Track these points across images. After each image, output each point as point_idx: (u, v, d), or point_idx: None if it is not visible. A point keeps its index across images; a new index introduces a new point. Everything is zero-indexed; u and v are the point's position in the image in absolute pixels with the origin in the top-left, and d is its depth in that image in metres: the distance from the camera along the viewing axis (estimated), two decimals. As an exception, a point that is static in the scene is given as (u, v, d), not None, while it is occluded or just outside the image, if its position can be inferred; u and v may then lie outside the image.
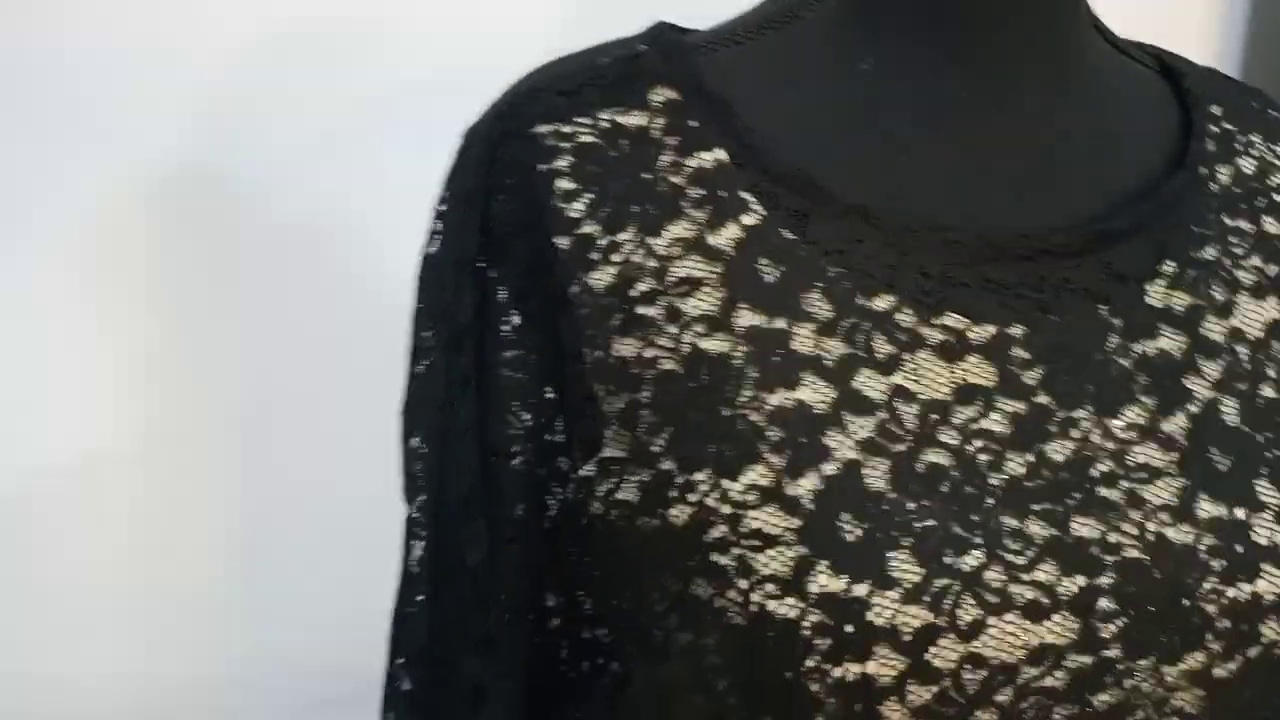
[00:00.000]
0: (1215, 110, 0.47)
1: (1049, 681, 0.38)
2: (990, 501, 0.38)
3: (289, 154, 0.71)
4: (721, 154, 0.41)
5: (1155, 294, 0.42)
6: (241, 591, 0.75)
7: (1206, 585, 0.39)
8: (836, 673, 0.36)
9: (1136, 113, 0.46)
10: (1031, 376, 0.40)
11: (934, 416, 0.39)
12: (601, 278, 0.40)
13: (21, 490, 0.70)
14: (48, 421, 0.70)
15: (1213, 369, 0.42)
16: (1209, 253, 0.44)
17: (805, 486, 0.37)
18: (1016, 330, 0.40)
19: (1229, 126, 0.47)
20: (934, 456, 0.38)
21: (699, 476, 0.38)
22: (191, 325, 0.72)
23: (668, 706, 0.40)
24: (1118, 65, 0.47)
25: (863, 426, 0.38)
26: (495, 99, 0.43)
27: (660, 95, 0.41)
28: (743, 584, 0.37)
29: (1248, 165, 0.47)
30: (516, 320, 0.41)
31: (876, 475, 0.38)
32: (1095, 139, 0.44)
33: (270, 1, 0.70)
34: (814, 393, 0.38)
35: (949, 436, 0.39)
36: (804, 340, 0.39)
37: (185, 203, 0.71)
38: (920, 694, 0.36)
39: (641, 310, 0.39)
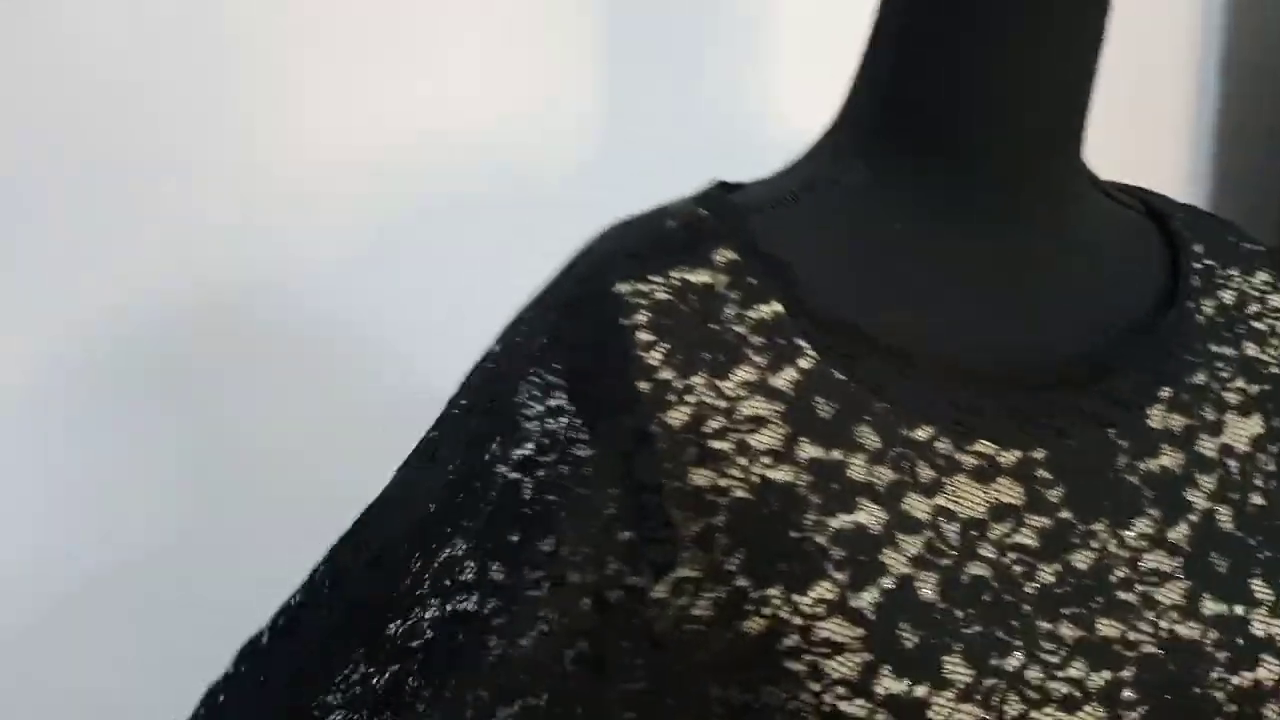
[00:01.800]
0: (1198, 249, 0.54)
1: None
2: (1026, 608, 0.44)
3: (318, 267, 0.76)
4: (778, 306, 0.47)
5: (1155, 417, 0.49)
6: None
7: (1214, 674, 0.45)
8: None
9: (1129, 255, 0.53)
10: (1054, 494, 0.46)
11: (973, 533, 0.45)
12: (677, 416, 0.45)
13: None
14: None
15: (1208, 481, 0.48)
16: (1199, 378, 0.50)
17: (867, 599, 0.43)
18: (1039, 454, 0.47)
19: (1210, 262, 0.54)
20: (976, 569, 0.44)
21: (772, 592, 0.43)
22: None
23: None
24: (1111, 213, 0.53)
25: (913, 544, 0.44)
26: (573, 259, 0.50)
27: (722, 256, 0.48)
28: (815, 687, 0.42)
29: (1228, 296, 0.53)
30: (585, 452, 0.45)
31: (927, 587, 0.43)
32: (1095, 281, 0.51)
33: (307, 117, 0.76)
34: (869, 515, 0.44)
35: (987, 550, 0.45)
36: (858, 469, 0.45)
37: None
38: None
39: (714, 445, 0.45)
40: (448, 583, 0.46)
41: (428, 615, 0.46)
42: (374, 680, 0.47)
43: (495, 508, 0.46)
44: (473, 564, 0.46)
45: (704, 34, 0.79)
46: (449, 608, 0.46)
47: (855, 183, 0.50)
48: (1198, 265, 0.53)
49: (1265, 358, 0.53)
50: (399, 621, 0.46)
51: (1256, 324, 0.53)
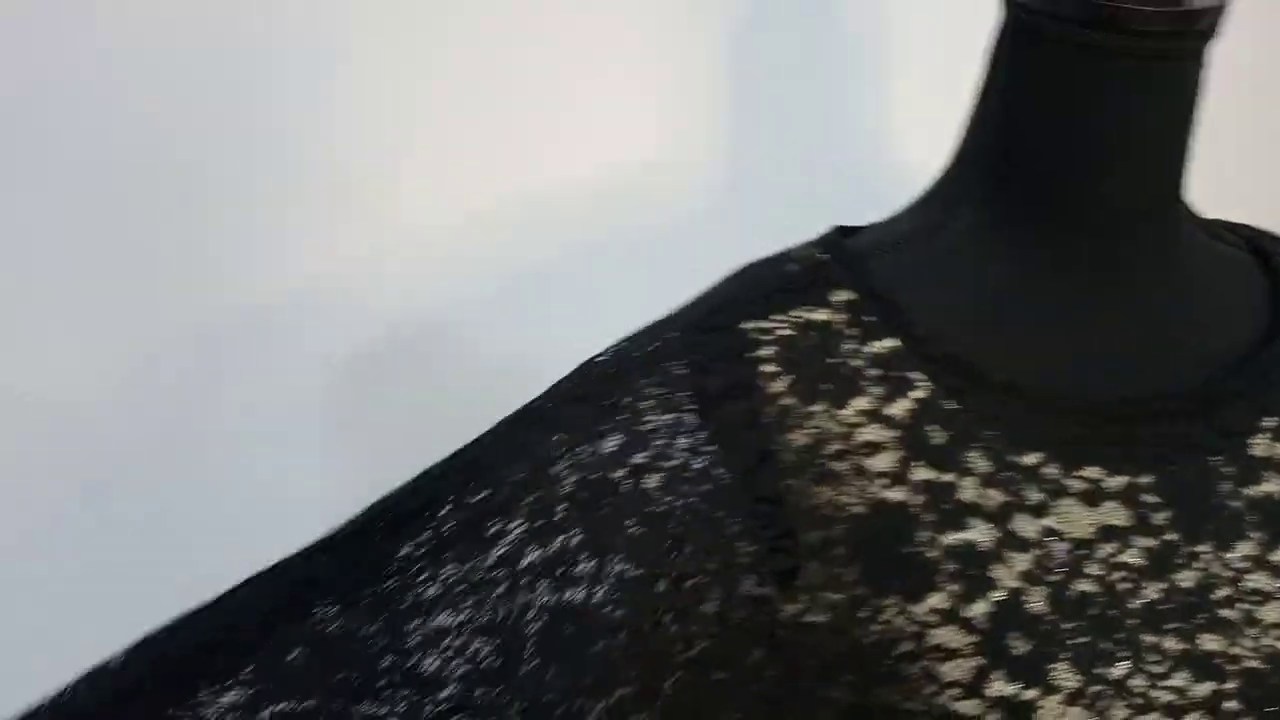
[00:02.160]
0: None
1: None
2: (1132, 621, 0.47)
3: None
4: (893, 342, 0.51)
5: (1259, 446, 0.51)
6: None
7: None
8: None
9: (1232, 292, 0.55)
10: (1160, 518, 0.49)
11: (1081, 552, 0.48)
12: (798, 439, 0.50)
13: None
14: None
15: None
16: None
17: (978, 610, 0.46)
18: (1145, 479, 0.50)
19: None
20: (1083, 585, 0.47)
21: (888, 601, 0.47)
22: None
23: None
24: (1214, 252, 0.56)
25: (1022, 561, 0.47)
26: (701, 297, 0.55)
27: (840, 296, 0.52)
28: (930, 688, 0.46)
29: None
30: (709, 466, 0.49)
31: (1036, 601, 0.47)
32: (1198, 319, 0.54)
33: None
34: (979, 533, 0.48)
35: (1094, 569, 0.48)
36: (968, 490, 0.49)
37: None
38: None
39: (832, 466, 0.49)
40: (559, 571, 0.48)
41: (539, 600, 0.48)
42: (476, 650, 0.48)
43: (613, 508, 0.49)
44: (588, 554, 0.48)
45: (827, 86, 0.84)
46: (561, 596, 0.48)
47: (965, 228, 0.54)
48: None
49: None
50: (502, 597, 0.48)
51: None
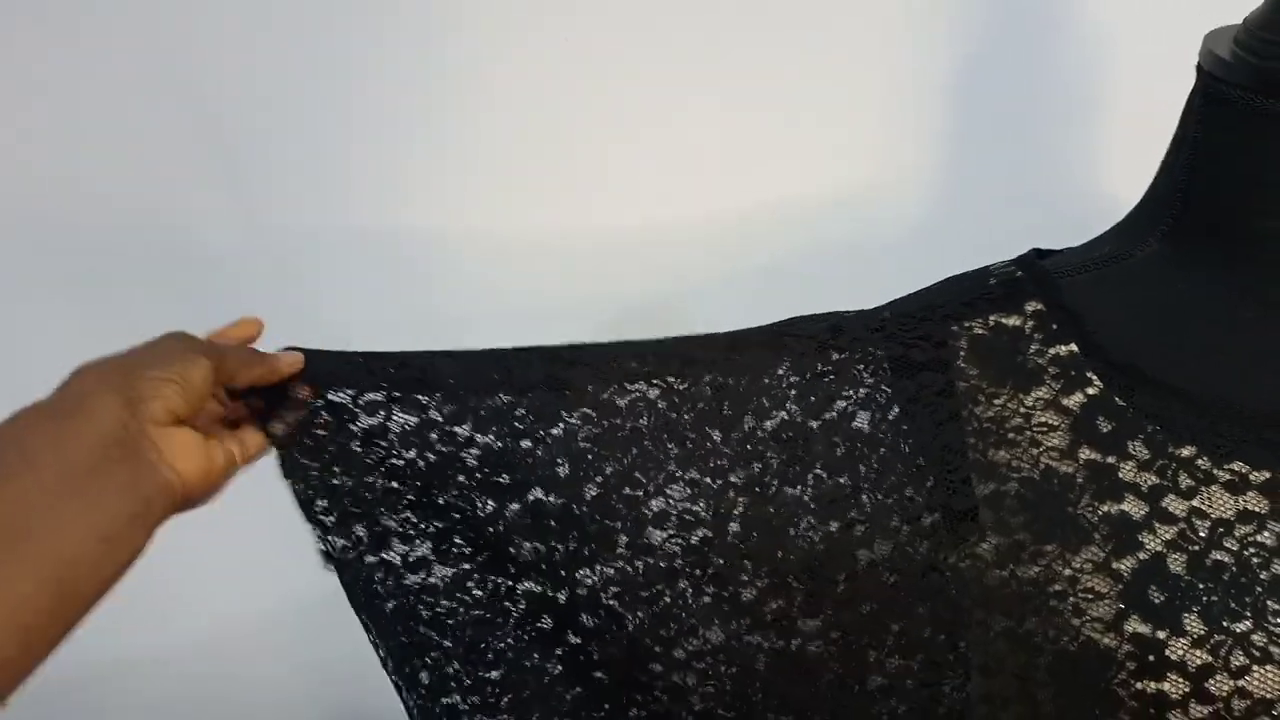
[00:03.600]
0: None
1: None
2: (1259, 590, 0.56)
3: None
4: (1074, 347, 0.62)
5: None
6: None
7: None
8: (1138, 686, 0.55)
9: None
10: None
11: (1220, 530, 0.57)
12: (985, 411, 0.61)
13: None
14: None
15: None
16: None
17: (1125, 565, 0.57)
18: None
19: None
20: (1219, 556, 0.57)
21: (1047, 548, 0.58)
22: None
23: (994, 714, 0.59)
24: None
25: (1167, 531, 0.57)
26: (910, 296, 0.65)
27: (1031, 306, 0.63)
28: (1075, 622, 0.57)
29: None
30: (922, 416, 0.61)
31: (1176, 564, 0.57)
32: None
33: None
34: (1133, 507, 0.58)
35: (1230, 544, 0.57)
36: (1127, 471, 0.59)
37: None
38: (1199, 710, 0.55)
39: (1012, 436, 0.61)
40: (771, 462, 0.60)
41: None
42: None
43: (824, 434, 0.61)
44: (799, 465, 0.60)
45: (1041, 121, 0.93)
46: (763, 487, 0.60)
47: (1149, 256, 0.64)
48: None
49: None
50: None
51: None
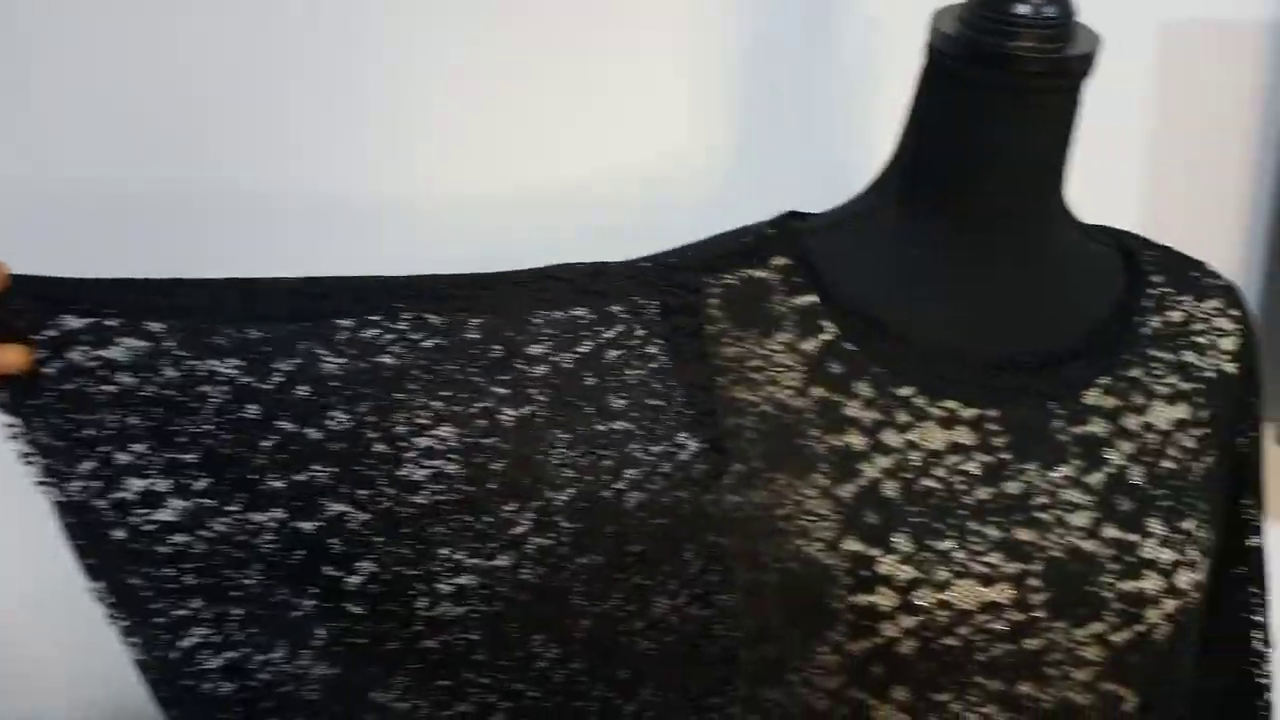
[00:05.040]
0: (1156, 279, 0.70)
1: (994, 625, 0.61)
2: (963, 512, 0.62)
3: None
4: (814, 298, 0.67)
5: (1090, 397, 0.66)
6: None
7: (1105, 579, 0.61)
8: (853, 600, 0.60)
9: (1094, 279, 0.70)
10: (999, 441, 0.64)
11: (932, 461, 0.63)
12: (729, 352, 0.66)
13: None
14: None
15: (1127, 447, 0.65)
16: (1135, 372, 0.67)
17: (846, 491, 0.62)
18: (992, 412, 0.65)
19: (1166, 289, 0.70)
20: (929, 483, 0.63)
21: (779, 476, 0.63)
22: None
23: (734, 624, 0.63)
24: (1083, 246, 0.71)
25: (884, 461, 0.63)
26: (674, 251, 0.70)
27: (779, 261, 0.68)
28: (800, 543, 0.62)
29: (1176, 316, 0.69)
30: (671, 357, 0.64)
31: (891, 490, 0.62)
32: (1062, 298, 0.69)
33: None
34: (856, 438, 0.63)
35: (940, 473, 0.63)
36: (853, 408, 0.64)
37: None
38: (907, 621, 0.60)
39: (752, 375, 0.65)
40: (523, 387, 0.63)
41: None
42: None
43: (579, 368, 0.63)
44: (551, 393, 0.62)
45: (824, 96, 0.99)
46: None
47: (885, 218, 0.70)
48: (1152, 291, 0.70)
49: (1201, 364, 0.69)
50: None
51: (1198, 339, 0.69)
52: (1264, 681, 0.77)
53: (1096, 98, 1.03)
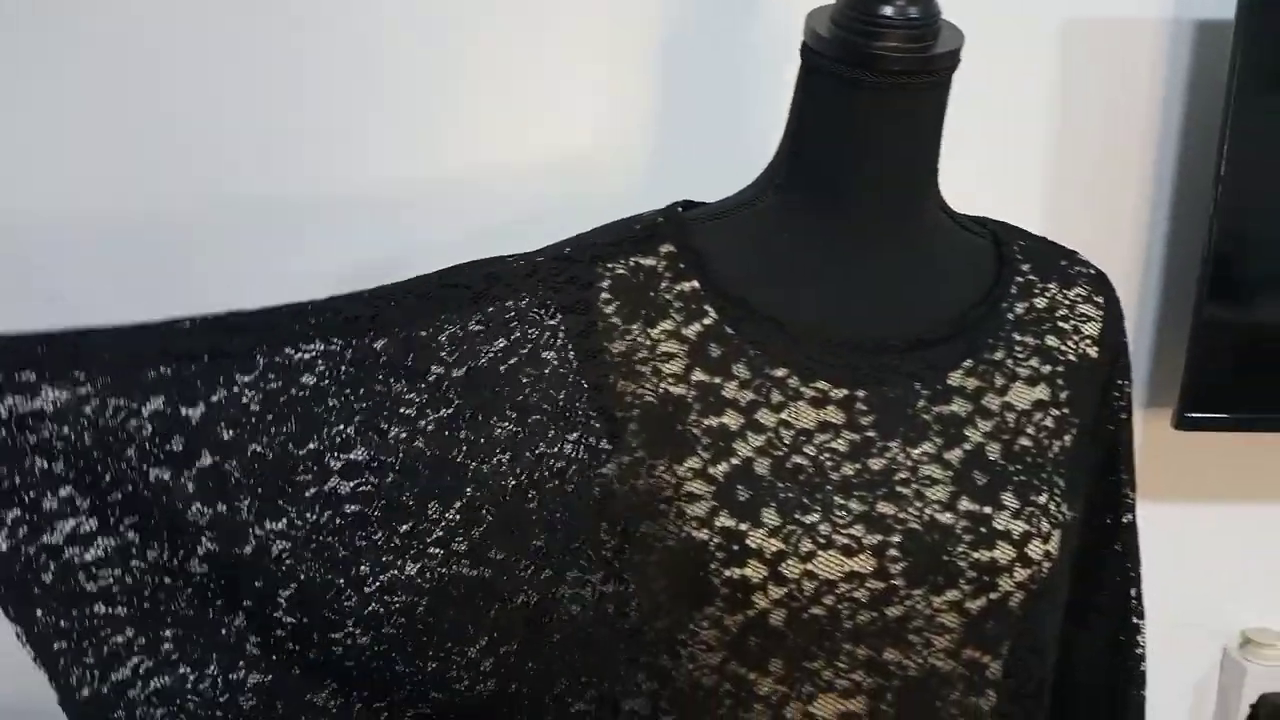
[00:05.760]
0: (1024, 266, 0.74)
1: (857, 594, 0.64)
2: (829, 488, 0.66)
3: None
4: (695, 284, 0.70)
5: (954, 378, 0.69)
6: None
7: (960, 549, 0.65)
8: (727, 573, 0.64)
9: (964, 266, 0.74)
10: (866, 420, 0.68)
11: (802, 439, 0.67)
12: (619, 346, 0.69)
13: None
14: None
15: (985, 425, 0.69)
16: (998, 355, 0.71)
17: (719, 470, 0.65)
18: (860, 393, 0.68)
19: (1033, 277, 0.74)
20: (798, 460, 0.66)
21: (659, 462, 0.66)
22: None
23: (624, 603, 0.67)
24: (956, 236, 0.74)
25: (757, 440, 0.66)
26: (569, 241, 0.73)
27: (666, 248, 0.71)
28: (678, 522, 0.65)
29: (1041, 302, 0.73)
30: (567, 357, 0.68)
31: (762, 468, 0.66)
32: (931, 283, 0.72)
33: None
34: (731, 420, 0.67)
35: (809, 450, 0.66)
36: (730, 390, 0.68)
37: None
38: (776, 591, 0.64)
39: (639, 368, 0.69)
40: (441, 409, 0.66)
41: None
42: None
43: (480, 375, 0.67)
44: (458, 403, 0.67)
45: (739, 89, 1.02)
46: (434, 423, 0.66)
47: (766, 207, 0.73)
48: (1019, 278, 0.73)
49: (1064, 348, 0.72)
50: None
51: (1062, 324, 0.73)
52: (1140, 652, 0.81)
53: (1001, 94, 1.08)
